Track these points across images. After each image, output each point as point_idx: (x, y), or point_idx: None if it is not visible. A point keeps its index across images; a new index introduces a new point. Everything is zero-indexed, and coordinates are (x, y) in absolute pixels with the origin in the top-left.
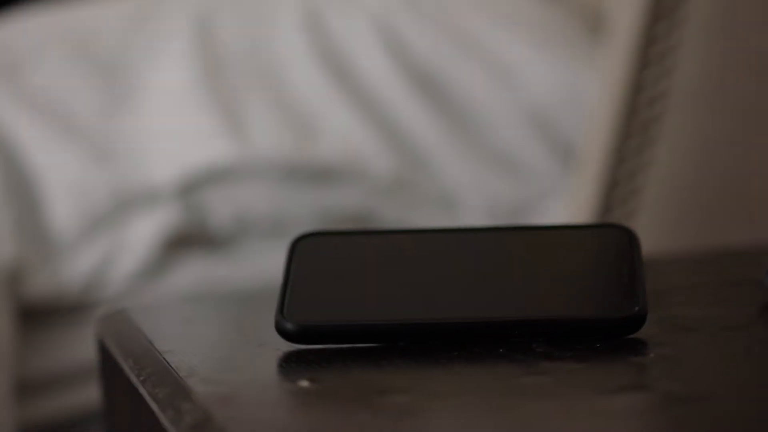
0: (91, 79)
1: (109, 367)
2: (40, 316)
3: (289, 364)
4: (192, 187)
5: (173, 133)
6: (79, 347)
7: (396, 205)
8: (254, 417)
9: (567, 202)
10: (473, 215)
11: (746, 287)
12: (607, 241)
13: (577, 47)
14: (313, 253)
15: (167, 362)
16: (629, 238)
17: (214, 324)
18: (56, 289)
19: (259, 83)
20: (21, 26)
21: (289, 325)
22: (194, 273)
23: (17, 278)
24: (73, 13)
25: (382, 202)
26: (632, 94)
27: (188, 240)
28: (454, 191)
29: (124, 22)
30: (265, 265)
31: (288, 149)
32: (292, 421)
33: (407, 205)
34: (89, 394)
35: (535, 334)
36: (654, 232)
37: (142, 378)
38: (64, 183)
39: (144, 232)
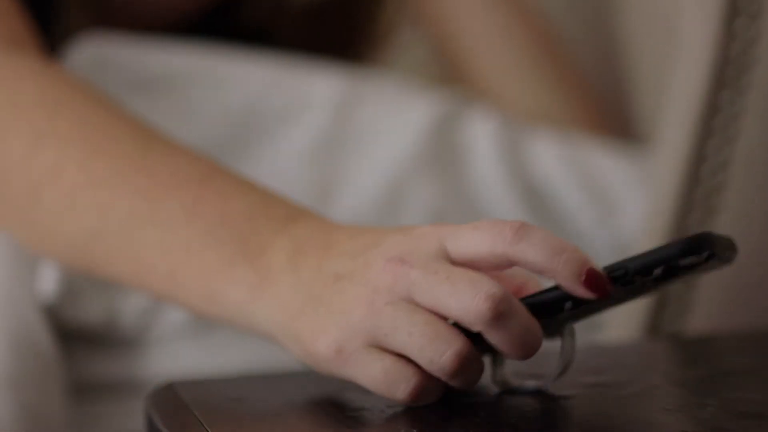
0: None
1: None
2: (89, 389)
3: None
4: None
5: None
6: (127, 422)
7: None
8: None
9: None
10: None
11: None
12: None
13: None
14: None
15: None
16: None
17: (264, 401)
18: (108, 317)
19: None
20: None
21: None
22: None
23: (67, 304)
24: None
25: None
26: (695, 164)
27: None
28: None
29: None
30: None
31: None
32: None
33: None
34: None
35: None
36: (715, 309)
37: None
38: None
39: None
